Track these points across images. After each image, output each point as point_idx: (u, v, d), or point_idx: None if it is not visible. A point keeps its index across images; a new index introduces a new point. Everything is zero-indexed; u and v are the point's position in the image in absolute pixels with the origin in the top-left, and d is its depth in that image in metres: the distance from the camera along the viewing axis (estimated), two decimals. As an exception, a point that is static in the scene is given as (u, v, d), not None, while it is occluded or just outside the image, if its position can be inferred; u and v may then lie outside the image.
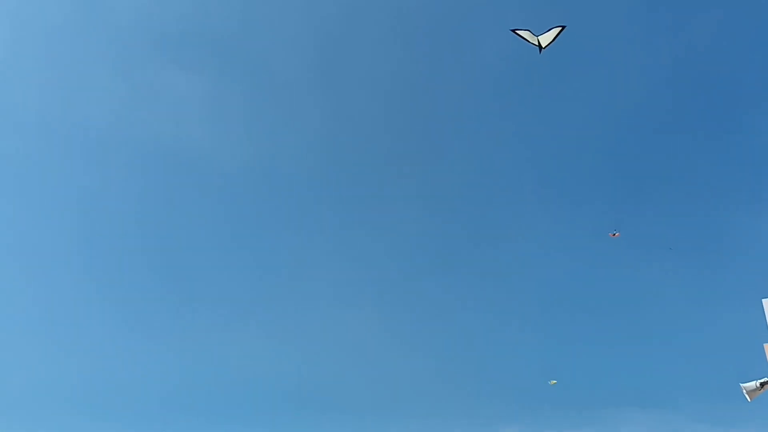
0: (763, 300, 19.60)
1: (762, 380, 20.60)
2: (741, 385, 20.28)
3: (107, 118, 55.32)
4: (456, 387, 50.20)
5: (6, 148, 53.34)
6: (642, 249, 51.89)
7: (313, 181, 57.06)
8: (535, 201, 55.55)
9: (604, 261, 52.54)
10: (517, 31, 22.12)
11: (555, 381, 28.59)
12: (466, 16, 54.27)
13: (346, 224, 55.16)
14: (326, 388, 48.80)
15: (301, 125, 57.96)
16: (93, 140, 55.44)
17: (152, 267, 54.42)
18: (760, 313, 19.15)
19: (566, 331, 51.69)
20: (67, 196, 55.34)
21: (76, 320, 52.42)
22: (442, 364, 51.27)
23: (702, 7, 54.07)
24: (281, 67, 57.43)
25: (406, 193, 57.08)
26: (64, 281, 53.66)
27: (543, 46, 22.08)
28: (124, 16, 55.50)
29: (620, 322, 52.98)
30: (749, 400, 20.60)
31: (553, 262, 53.76)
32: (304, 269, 54.09)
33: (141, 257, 54.43)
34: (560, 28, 22.05)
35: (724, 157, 55.45)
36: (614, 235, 42.93)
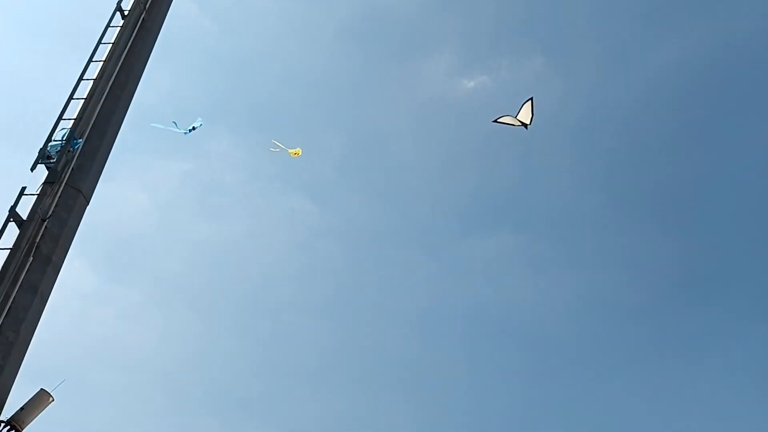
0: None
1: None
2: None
3: (422, 296, 52.71)
4: None
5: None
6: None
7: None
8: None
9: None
10: (498, 121, 24.10)
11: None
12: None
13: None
14: None
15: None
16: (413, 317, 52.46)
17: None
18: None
19: None
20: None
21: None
22: None
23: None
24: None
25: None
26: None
27: (528, 123, 23.90)
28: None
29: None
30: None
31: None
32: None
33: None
34: (529, 100, 24.20)
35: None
36: None
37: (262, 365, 44.45)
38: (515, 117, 24.40)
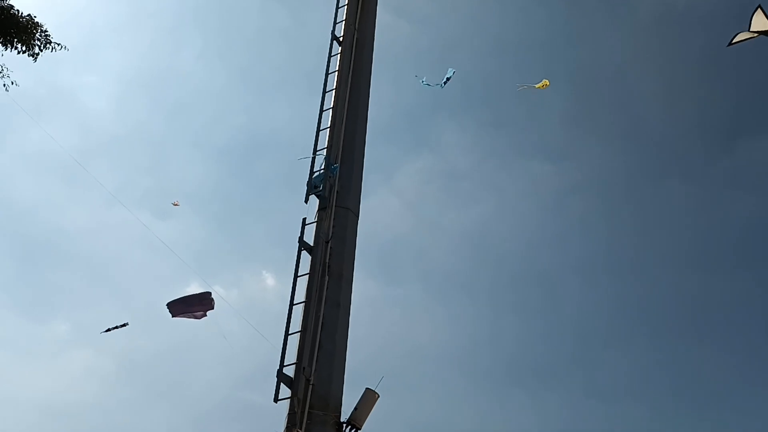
0: None
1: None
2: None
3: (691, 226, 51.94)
4: None
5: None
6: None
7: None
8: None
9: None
10: (734, 42, 22.21)
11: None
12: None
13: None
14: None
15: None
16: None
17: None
18: None
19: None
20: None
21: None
22: None
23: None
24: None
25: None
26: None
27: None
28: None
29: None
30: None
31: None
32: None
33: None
34: (757, 8, 21.97)
35: None
36: None
37: (546, 332, 44.41)
38: (749, 30, 22.19)
